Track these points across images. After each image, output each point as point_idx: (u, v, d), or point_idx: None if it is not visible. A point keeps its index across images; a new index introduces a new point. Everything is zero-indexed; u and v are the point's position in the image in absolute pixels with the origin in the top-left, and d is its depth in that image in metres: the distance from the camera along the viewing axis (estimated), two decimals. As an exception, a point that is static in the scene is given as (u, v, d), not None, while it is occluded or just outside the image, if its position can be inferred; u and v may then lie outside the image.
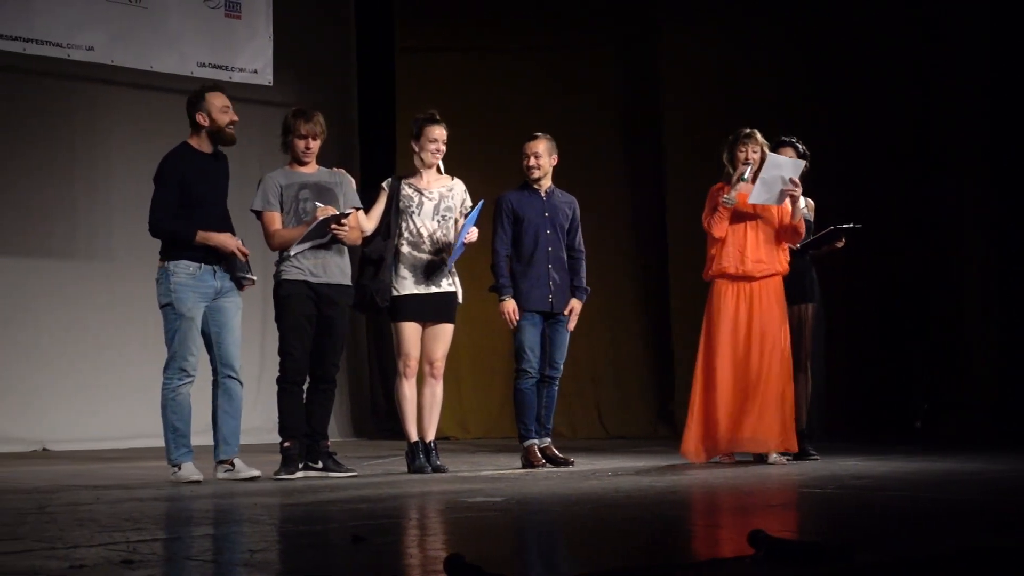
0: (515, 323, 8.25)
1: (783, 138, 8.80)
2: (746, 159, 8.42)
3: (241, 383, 7.58)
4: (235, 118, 7.51)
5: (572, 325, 8.46)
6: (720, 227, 8.42)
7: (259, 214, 7.69)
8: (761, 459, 8.35)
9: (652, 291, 12.12)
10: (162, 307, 7.42)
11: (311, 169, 7.79)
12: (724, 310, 8.44)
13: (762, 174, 8.30)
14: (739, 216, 8.44)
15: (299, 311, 7.60)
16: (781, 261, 8.53)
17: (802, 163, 8.45)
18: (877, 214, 10.76)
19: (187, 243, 7.32)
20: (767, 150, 8.47)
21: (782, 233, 8.51)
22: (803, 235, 8.56)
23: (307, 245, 7.61)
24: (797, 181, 8.35)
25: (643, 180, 12.14)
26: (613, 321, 12.15)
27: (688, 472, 7.80)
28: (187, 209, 7.35)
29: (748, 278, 8.44)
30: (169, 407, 7.35)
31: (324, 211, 7.53)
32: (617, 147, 12.64)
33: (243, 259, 7.43)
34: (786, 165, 8.34)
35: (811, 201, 8.89)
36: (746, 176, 8.37)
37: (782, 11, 11.80)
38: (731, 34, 12.02)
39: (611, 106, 12.68)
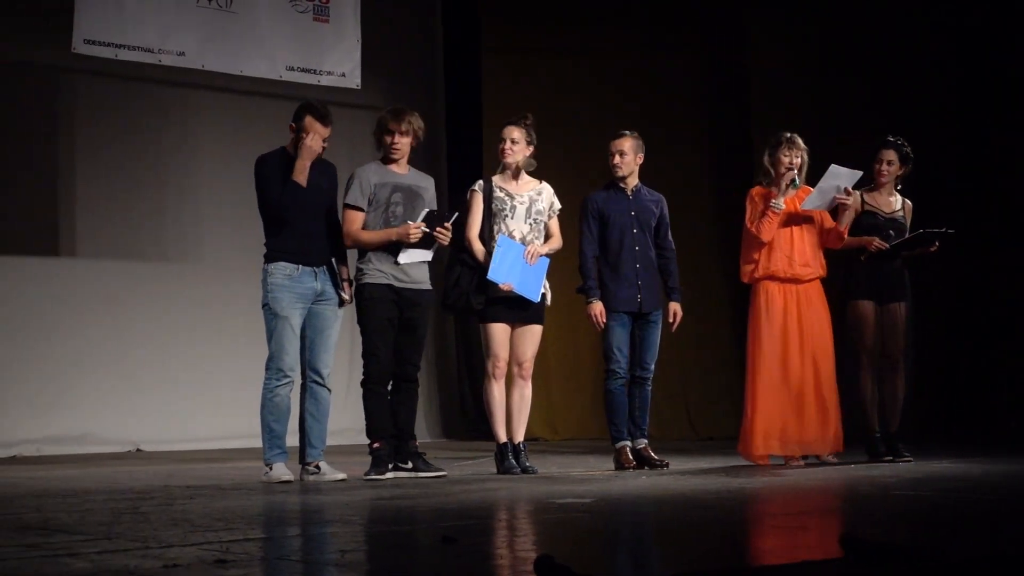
0: (602, 325, 8.23)
1: (888, 138, 8.77)
2: (789, 164, 8.42)
3: (329, 389, 7.62)
4: (320, 149, 7.55)
5: (675, 327, 8.43)
6: (769, 231, 8.42)
7: (346, 207, 7.69)
8: (814, 460, 8.40)
9: (740, 291, 12.04)
10: (262, 307, 7.52)
11: (402, 169, 7.81)
12: (774, 312, 8.44)
13: (821, 183, 8.40)
14: (785, 220, 8.47)
15: (382, 314, 7.62)
16: (823, 264, 8.61)
17: (859, 173, 8.45)
18: (969, 215, 10.64)
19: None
20: (807, 156, 8.50)
21: (825, 236, 8.59)
22: (844, 240, 8.60)
23: (416, 255, 7.65)
24: (851, 190, 8.42)
25: (730, 180, 12.05)
26: (701, 321, 12.07)
27: (779, 473, 7.75)
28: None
29: (796, 280, 8.49)
30: (266, 407, 7.44)
31: (415, 231, 7.55)
32: (704, 147, 12.58)
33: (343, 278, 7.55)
34: (843, 175, 8.39)
35: (909, 203, 8.85)
36: (797, 183, 8.38)
37: (871, 10, 11.68)
38: (820, 34, 11.91)
39: (697, 106, 12.63)
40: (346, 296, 7.63)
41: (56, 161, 11.33)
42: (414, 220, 7.59)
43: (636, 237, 8.31)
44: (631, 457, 8.19)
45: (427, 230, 7.53)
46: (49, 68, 11.13)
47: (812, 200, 8.40)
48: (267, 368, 7.47)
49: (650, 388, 8.40)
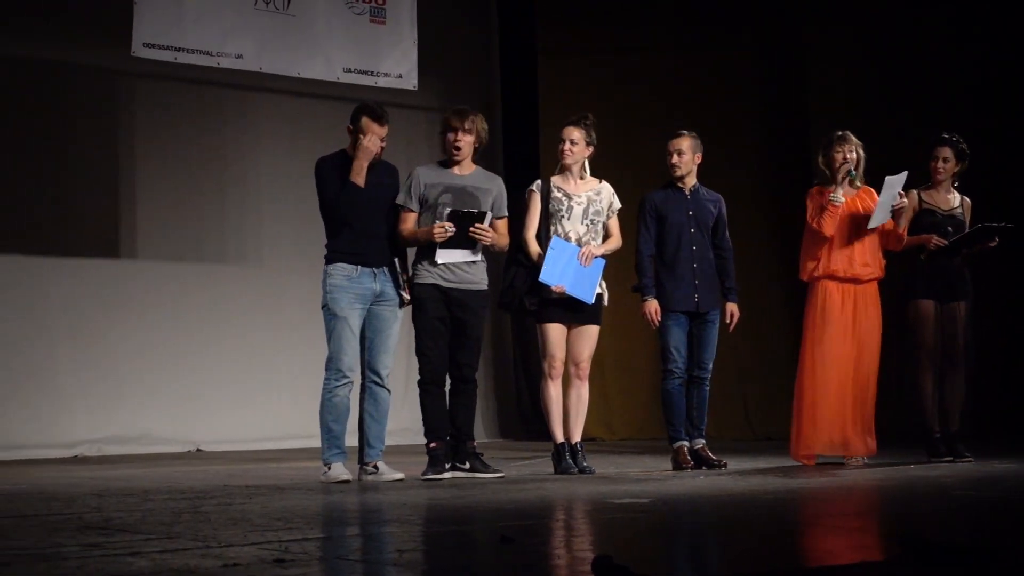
0: (656, 324, 8.21)
1: (943, 135, 8.73)
2: (843, 158, 8.38)
3: (388, 390, 7.65)
4: (377, 150, 7.58)
5: (732, 327, 8.41)
6: (830, 225, 8.38)
7: (398, 208, 7.71)
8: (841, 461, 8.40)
9: (797, 290, 11.98)
10: (322, 308, 7.55)
11: (464, 170, 7.82)
12: (832, 311, 8.41)
13: (880, 197, 8.36)
14: (844, 220, 8.43)
15: (431, 313, 7.64)
16: (882, 265, 8.57)
17: (905, 173, 8.40)
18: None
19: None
20: (861, 151, 8.45)
21: (885, 239, 8.57)
22: (904, 241, 8.58)
23: (456, 255, 7.66)
24: (903, 192, 8.39)
25: (788, 179, 12.00)
26: (759, 320, 12.02)
27: (837, 474, 7.72)
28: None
29: (855, 281, 8.46)
30: (325, 407, 7.47)
31: (439, 231, 7.55)
32: (760, 147, 12.52)
33: (403, 278, 7.57)
34: (896, 182, 8.36)
35: (967, 200, 8.80)
36: (853, 173, 8.35)
37: (927, 7, 11.61)
38: (875, 31, 11.84)
39: (754, 105, 12.57)
40: (406, 296, 7.65)
41: (116, 164, 11.42)
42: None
43: (693, 237, 8.28)
44: (689, 457, 8.17)
45: (452, 230, 7.53)
46: (109, 72, 11.22)
47: (877, 217, 8.36)
48: (326, 369, 7.50)
49: (708, 388, 8.37)
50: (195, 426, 11.36)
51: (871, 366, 8.43)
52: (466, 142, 7.75)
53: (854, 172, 8.41)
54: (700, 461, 8.19)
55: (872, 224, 8.38)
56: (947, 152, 8.67)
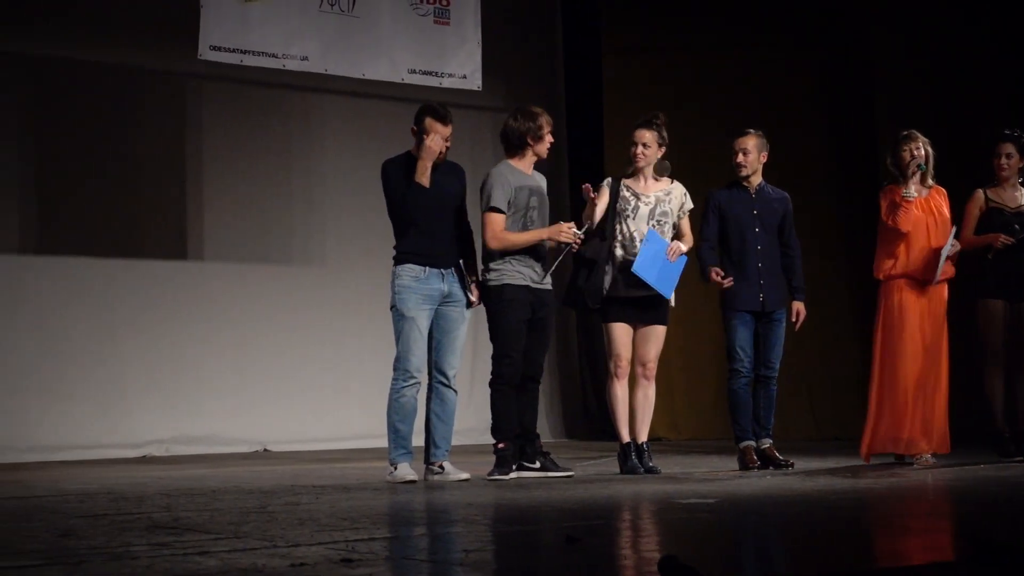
0: (723, 281, 8.14)
1: (1004, 131, 8.65)
2: (911, 155, 8.31)
3: (455, 390, 7.66)
4: (441, 149, 7.60)
5: (799, 326, 8.36)
6: (906, 221, 8.31)
7: (488, 210, 7.68)
8: (904, 460, 8.35)
9: (866, 289, 11.90)
10: (390, 309, 7.58)
11: (530, 171, 7.85)
12: (907, 311, 8.34)
13: (940, 262, 8.28)
14: (920, 222, 8.36)
15: (519, 315, 7.64)
16: (952, 267, 8.45)
17: (955, 231, 8.37)
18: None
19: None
20: (929, 148, 8.38)
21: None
22: (970, 244, 8.60)
23: (554, 266, 7.73)
24: (956, 243, 8.36)
25: (855, 180, 11.92)
26: (827, 319, 11.95)
27: (905, 474, 7.66)
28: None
29: (928, 280, 8.33)
30: (392, 407, 7.49)
31: (567, 232, 7.62)
32: (828, 146, 12.44)
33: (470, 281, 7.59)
34: (947, 249, 8.29)
35: None
36: (923, 167, 8.28)
37: (993, 9, 11.49)
38: (944, 33, 11.72)
39: (821, 104, 12.48)
40: (473, 298, 7.66)
41: (183, 166, 11.50)
42: (547, 224, 7.73)
43: (758, 236, 8.25)
44: (755, 457, 8.14)
45: (577, 239, 7.60)
46: (176, 75, 11.30)
47: (940, 271, 8.31)
48: (394, 369, 7.52)
49: (775, 387, 8.32)
50: (262, 426, 11.42)
51: (941, 365, 8.36)
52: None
53: (923, 166, 8.32)
54: (767, 461, 8.15)
55: (936, 280, 8.31)
56: (1009, 148, 8.60)
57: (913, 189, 8.29)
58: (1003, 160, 8.61)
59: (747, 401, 8.22)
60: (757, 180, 8.34)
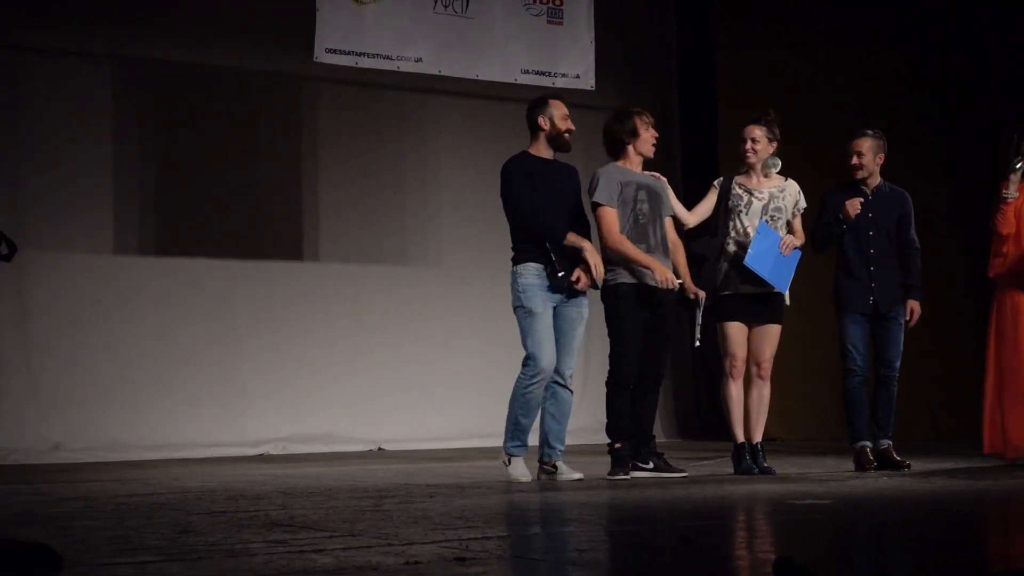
0: (853, 212, 8.03)
1: None
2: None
3: (571, 391, 7.66)
4: (572, 128, 7.66)
5: (912, 324, 8.25)
6: (1004, 223, 8.19)
7: (598, 206, 7.67)
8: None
9: (985, 288, 11.73)
10: (515, 309, 7.58)
11: (638, 170, 7.83)
12: (1018, 310, 8.17)
13: None
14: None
15: (636, 315, 7.62)
16: None
17: None
18: None
19: (555, 239, 7.44)
20: None
21: None
22: None
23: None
24: None
25: (971, 176, 11.75)
26: (945, 318, 11.80)
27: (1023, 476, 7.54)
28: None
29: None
30: (518, 401, 7.48)
31: (669, 278, 7.61)
32: (944, 143, 12.27)
33: (583, 282, 7.51)
34: None
35: None
36: (1018, 167, 8.11)
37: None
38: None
39: (937, 100, 12.31)
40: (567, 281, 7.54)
41: (300, 167, 11.63)
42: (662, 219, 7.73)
43: (872, 239, 8.13)
44: (871, 458, 8.04)
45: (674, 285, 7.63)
46: (292, 77, 11.44)
47: None
48: (524, 364, 7.50)
49: (896, 388, 8.20)
50: (377, 425, 11.52)
51: None
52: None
53: (1018, 168, 8.16)
54: (884, 462, 8.05)
55: None
56: None
57: (1013, 189, 8.15)
58: None
59: (861, 401, 8.12)
60: (875, 182, 8.22)
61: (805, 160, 10.66)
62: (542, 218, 7.49)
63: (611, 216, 7.64)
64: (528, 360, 7.50)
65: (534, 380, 7.46)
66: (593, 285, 7.54)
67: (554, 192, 7.60)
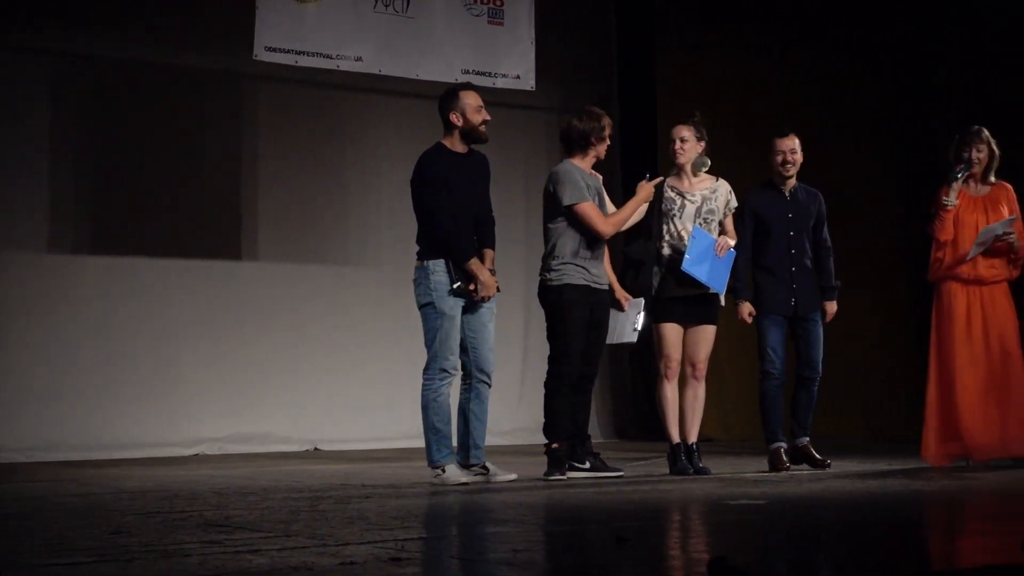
0: (747, 320, 8.14)
1: None
2: (969, 158, 8.22)
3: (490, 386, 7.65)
4: (488, 117, 7.55)
5: (828, 320, 8.31)
6: (942, 230, 8.25)
7: (574, 205, 7.63)
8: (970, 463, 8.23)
9: (924, 290, 11.82)
10: (422, 307, 7.45)
11: (590, 172, 7.85)
12: (957, 313, 8.27)
13: (977, 239, 8.19)
14: (967, 220, 8.28)
15: (580, 316, 7.63)
16: (1011, 267, 8.35)
17: (1014, 217, 8.22)
18: None
19: (460, 260, 7.36)
20: (994, 147, 8.28)
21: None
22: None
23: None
24: (1011, 230, 8.20)
25: (912, 178, 11.85)
26: (882, 320, 11.91)
27: (960, 476, 7.60)
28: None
29: (979, 282, 8.30)
30: (431, 408, 7.37)
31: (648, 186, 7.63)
32: (885, 145, 12.35)
33: (479, 297, 7.41)
34: (997, 227, 8.19)
35: None
36: (959, 175, 8.19)
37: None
38: (1005, 39, 11.60)
39: (877, 102, 12.39)
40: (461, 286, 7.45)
41: (239, 166, 11.58)
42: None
43: (792, 240, 8.19)
44: (786, 459, 8.11)
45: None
46: (231, 75, 11.39)
47: (974, 251, 8.22)
48: (427, 368, 7.40)
49: (817, 388, 8.26)
50: (314, 426, 11.49)
51: (1009, 368, 8.23)
52: None
53: (961, 175, 8.23)
54: (804, 459, 8.14)
55: (968, 258, 8.23)
56: None
57: (954, 196, 8.22)
58: None
59: (778, 403, 8.18)
60: (792, 183, 8.29)
61: (746, 161, 10.72)
62: (455, 239, 7.35)
63: (589, 208, 7.64)
64: (431, 362, 7.38)
65: (444, 382, 7.37)
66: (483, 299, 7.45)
67: (469, 193, 7.48)
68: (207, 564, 4.01)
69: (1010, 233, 8.21)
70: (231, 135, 11.59)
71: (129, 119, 11.09)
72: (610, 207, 7.90)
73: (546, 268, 7.72)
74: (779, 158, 8.22)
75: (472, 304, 7.43)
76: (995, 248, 8.26)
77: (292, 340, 11.58)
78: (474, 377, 7.52)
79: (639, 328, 8.03)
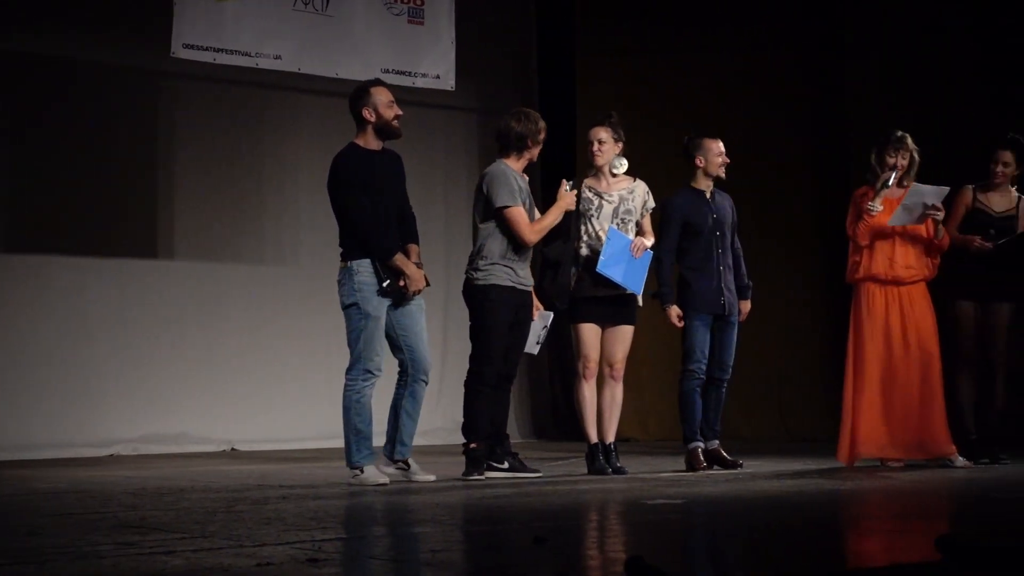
0: (680, 326, 8.20)
1: (1009, 136, 8.62)
2: (894, 164, 8.30)
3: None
4: (400, 112, 7.48)
5: (742, 319, 8.39)
6: (865, 235, 8.34)
7: (505, 208, 7.64)
8: (940, 463, 8.28)
9: (840, 291, 11.94)
10: (346, 308, 7.38)
11: (522, 173, 7.86)
12: (874, 314, 8.36)
13: (904, 200, 8.26)
14: (887, 227, 8.34)
15: (505, 317, 7.64)
16: (929, 266, 8.47)
17: (946, 189, 8.30)
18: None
19: (385, 257, 7.32)
20: (916, 155, 8.35)
21: (929, 246, 8.42)
22: (945, 247, 8.45)
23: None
24: (940, 206, 8.29)
25: (829, 180, 11.95)
26: (797, 321, 12.01)
27: (874, 476, 7.68)
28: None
29: (897, 282, 8.39)
30: (352, 409, 7.30)
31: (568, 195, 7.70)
32: (802, 147, 12.45)
33: (409, 292, 7.39)
34: (929, 193, 8.26)
35: None
36: (890, 183, 8.27)
37: (968, 19, 11.52)
38: (919, 31, 11.75)
39: (795, 106, 12.49)
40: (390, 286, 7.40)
41: (155, 164, 11.47)
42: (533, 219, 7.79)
43: (718, 240, 8.26)
44: (703, 458, 8.16)
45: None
46: (148, 72, 11.26)
47: (898, 216, 8.28)
48: (350, 369, 7.33)
49: (725, 390, 8.35)
50: (230, 426, 11.40)
51: (928, 365, 8.34)
52: None
53: (889, 183, 8.30)
54: (715, 461, 8.21)
55: (891, 222, 8.29)
56: (1008, 156, 8.57)
57: (878, 202, 8.29)
58: (1000, 167, 8.57)
59: (697, 403, 8.23)
60: (712, 185, 8.35)
61: (663, 163, 10.77)
62: (376, 237, 7.30)
63: (519, 214, 7.65)
64: (355, 363, 7.31)
65: (367, 384, 7.30)
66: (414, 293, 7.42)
67: (387, 190, 7.45)
68: (122, 566, 3.98)
69: (939, 209, 8.29)
70: (148, 133, 11.47)
71: (43, 116, 10.95)
72: (535, 211, 7.91)
73: (473, 267, 7.72)
74: (718, 159, 8.26)
75: (400, 301, 7.37)
76: (916, 233, 8.33)
77: (208, 339, 11.50)
78: (411, 376, 7.45)
79: (541, 342, 8.07)
